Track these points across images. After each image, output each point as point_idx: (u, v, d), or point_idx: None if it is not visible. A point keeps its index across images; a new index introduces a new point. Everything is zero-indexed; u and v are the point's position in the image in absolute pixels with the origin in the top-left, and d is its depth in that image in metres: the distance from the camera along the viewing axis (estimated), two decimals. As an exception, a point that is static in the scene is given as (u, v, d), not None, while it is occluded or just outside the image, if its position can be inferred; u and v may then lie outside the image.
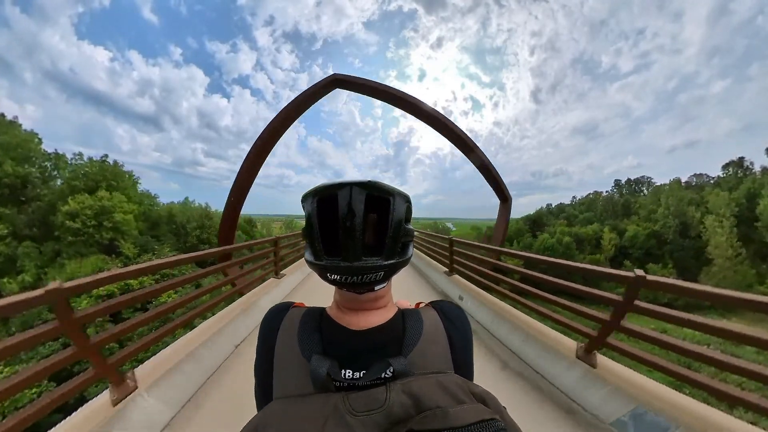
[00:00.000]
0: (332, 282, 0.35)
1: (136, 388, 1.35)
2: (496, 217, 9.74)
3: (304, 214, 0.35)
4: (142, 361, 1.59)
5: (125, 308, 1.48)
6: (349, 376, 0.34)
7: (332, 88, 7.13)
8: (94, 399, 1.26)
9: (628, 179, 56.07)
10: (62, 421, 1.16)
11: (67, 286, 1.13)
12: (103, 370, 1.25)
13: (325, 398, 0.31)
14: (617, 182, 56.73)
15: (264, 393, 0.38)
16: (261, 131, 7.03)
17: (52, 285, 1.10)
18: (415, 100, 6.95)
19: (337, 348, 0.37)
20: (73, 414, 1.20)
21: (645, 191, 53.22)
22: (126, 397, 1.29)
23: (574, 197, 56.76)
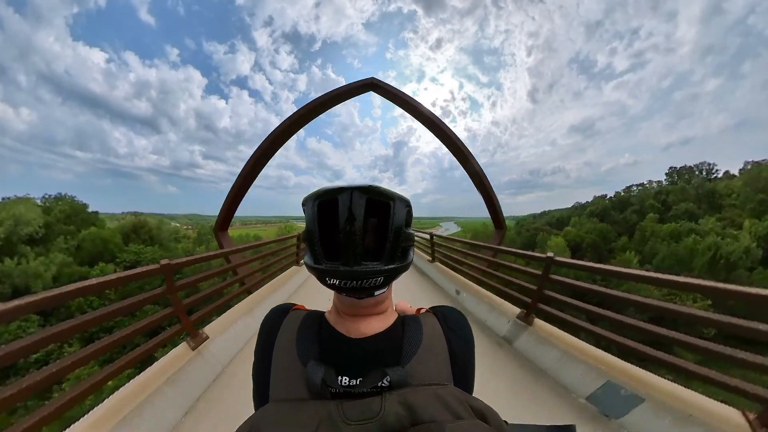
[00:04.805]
0: (331, 286, 0.52)
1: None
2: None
3: (303, 216, 0.52)
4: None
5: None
6: (345, 383, 0.51)
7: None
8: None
9: (684, 166, 65.46)
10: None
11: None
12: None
13: (320, 405, 0.46)
14: (672, 169, 65.68)
15: (261, 395, 0.57)
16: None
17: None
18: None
19: (335, 355, 0.55)
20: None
21: (703, 177, 61.05)
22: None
23: (629, 186, 64.87)
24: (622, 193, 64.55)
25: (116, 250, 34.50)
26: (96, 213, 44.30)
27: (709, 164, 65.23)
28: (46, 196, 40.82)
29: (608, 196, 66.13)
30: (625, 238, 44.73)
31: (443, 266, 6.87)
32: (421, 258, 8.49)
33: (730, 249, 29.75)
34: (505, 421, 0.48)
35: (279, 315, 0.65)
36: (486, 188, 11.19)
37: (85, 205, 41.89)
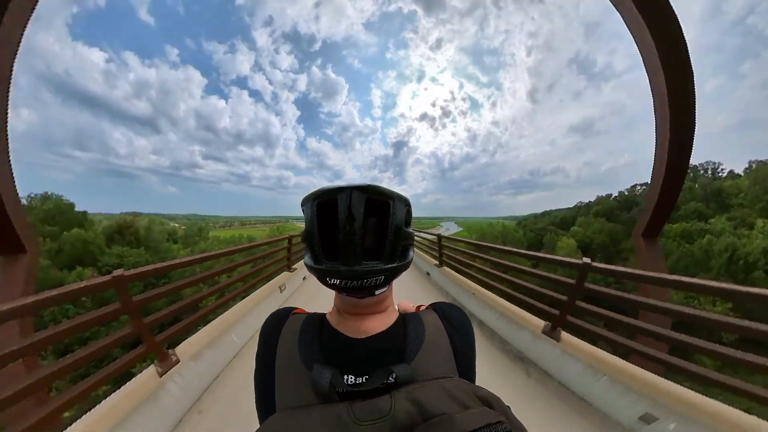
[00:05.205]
0: (332, 286, 0.53)
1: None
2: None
3: (303, 216, 0.54)
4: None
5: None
6: (351, 381, 0.53)
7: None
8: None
9: (689, 165, 66.45)
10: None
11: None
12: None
13: (329, 409, 0.47)
14: None
15: (266, 403, 0.58)
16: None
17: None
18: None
19: (339, 357, 0.56)
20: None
21: (707, 176, 62.54)
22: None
23: (633, 186, 66.16)
24: (626, 193, 64.73)
25: (98, 252, 32.98)
26: (84, 212, 42.22)
27: (714, 163, 65.53)
28: (32, 195, 39.63)
29: (613, 196, 66.27)
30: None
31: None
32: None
33: (748, 250, 29.40)
34: (508, 406, 0.50)
35: (279, 320, 0.65)
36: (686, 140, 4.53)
37: (72, 204, 40.43)
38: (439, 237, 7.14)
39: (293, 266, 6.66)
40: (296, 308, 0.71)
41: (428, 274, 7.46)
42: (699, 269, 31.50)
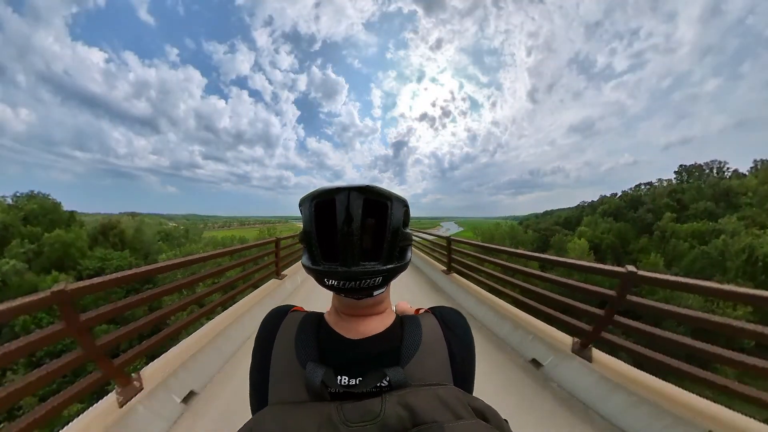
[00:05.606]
0: (330, 287, 0.52)
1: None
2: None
3: (301, 217, 0.53)
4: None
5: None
6: (344, 383, 0.51)
7: None
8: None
9: (694, 164, 67.79)
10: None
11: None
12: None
13: (320, 407, 0.47)
14: (682, 167, 67.64)
15: (259, 397, 0.57)
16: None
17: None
18: None
19: (334, 356, 0.55)
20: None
21: (713, 175, 63.19)
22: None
23: (638, 185, 66.73)
24: (630, 192, 64.77)
25: (78, 255, 31.46)
26: (72, 212, 40.96)
27: (720, 162, 65.54)
28: (18, 194, 38.54)
29: (617, 195, 66.32)
30: (645, 239, 44.25)
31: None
32: None
33: (766, 251, 28.96)
34: (506, 420, 0.48)
35: (277, 317, 0.65)
36: None
37: (58, 204, 39.33)
38: (449, 240, 6.26)
39: (282, 272, 6.10)
40: (295, 306, 0.70)
41: (435, 281, 6.73)
42: (715, 271, 31.18)
